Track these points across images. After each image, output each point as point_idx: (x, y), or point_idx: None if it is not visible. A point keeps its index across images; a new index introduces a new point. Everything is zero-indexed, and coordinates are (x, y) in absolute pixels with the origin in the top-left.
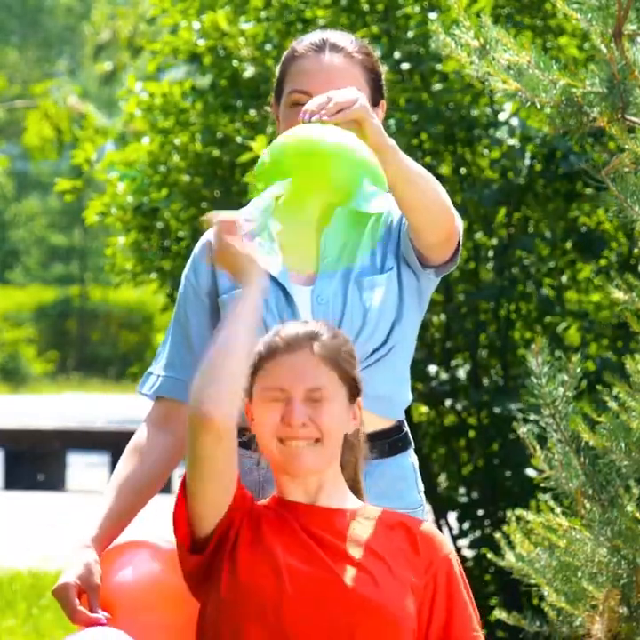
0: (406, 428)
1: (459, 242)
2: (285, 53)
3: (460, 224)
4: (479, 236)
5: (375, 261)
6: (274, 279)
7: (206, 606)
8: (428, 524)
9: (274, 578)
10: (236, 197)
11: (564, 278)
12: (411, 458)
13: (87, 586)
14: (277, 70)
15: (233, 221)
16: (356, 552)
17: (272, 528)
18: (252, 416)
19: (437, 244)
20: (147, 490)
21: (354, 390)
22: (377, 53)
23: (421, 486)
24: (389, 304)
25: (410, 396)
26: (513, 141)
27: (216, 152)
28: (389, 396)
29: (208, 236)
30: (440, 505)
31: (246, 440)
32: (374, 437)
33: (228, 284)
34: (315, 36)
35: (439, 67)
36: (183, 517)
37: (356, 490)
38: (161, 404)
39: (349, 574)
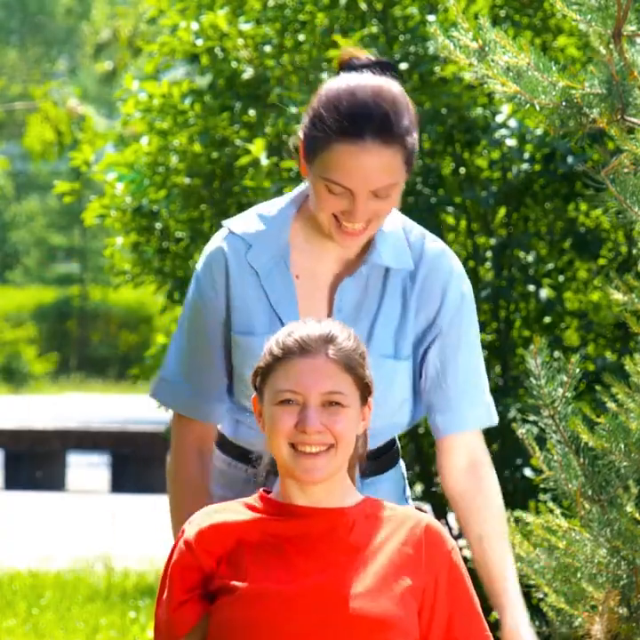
0: (396, 438)
1: None
2: (325, 112)
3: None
4: (478, 235)
5: (396, 341)
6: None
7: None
8: (433, 519)
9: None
10: (235, 198)
11: (563, 278)
12: (402, 469)
13: None
14: (310, 123)
15: None
16: (353, 558)
17: (254, 556)
18: (261, 412)
19: None
20: None
21: (365, 392)
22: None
23: (409, 492)
24: (399, 399)
25: None
26: (512, 142)
27: (215, 153)
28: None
29: (221, 243)
30: (440, 505)
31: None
32: (374, 455)
33: (244, 325)
34: (356, 107)
35: (437, 68)
36: None
37: (351, 479)
38: (191, 423)
39: (343, 585)
